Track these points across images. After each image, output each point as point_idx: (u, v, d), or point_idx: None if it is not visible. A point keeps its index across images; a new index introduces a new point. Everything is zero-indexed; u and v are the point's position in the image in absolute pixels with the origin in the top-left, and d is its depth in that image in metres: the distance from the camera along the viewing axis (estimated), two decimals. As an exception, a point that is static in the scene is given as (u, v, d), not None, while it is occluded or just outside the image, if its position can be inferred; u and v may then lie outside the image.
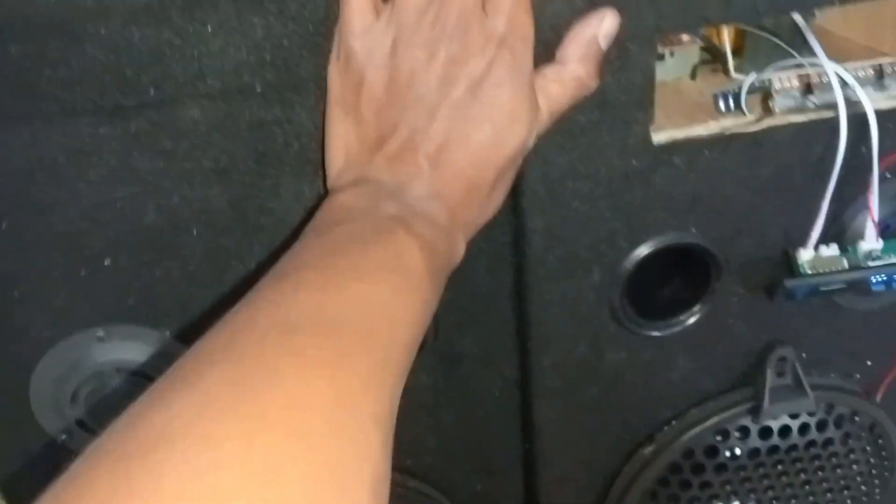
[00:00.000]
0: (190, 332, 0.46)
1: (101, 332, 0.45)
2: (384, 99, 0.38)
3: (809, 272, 0.51)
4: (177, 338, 0.46)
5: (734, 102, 0.50)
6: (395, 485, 0.54)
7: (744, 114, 0.50)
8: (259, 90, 0.39)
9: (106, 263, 0.42)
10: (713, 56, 0.55)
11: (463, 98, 0.38)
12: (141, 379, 0.46)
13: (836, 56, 0.50)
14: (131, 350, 0.46)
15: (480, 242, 0.47)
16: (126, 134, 0.39)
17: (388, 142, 0.38)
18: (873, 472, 0.65)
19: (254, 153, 0.40)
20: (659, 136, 0.47)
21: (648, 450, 0.59)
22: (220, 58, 0.38)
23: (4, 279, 0.42)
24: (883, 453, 0.65)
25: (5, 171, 0.39)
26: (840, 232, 0.52)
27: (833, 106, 0.48)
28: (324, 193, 0.42)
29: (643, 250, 0.50)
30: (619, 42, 0.42)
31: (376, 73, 0.38)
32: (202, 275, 0.44)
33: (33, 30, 0.35)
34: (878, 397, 0.62)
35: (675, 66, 0.55)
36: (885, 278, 0.51)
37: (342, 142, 0.40)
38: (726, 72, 0.52)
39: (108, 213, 0.41)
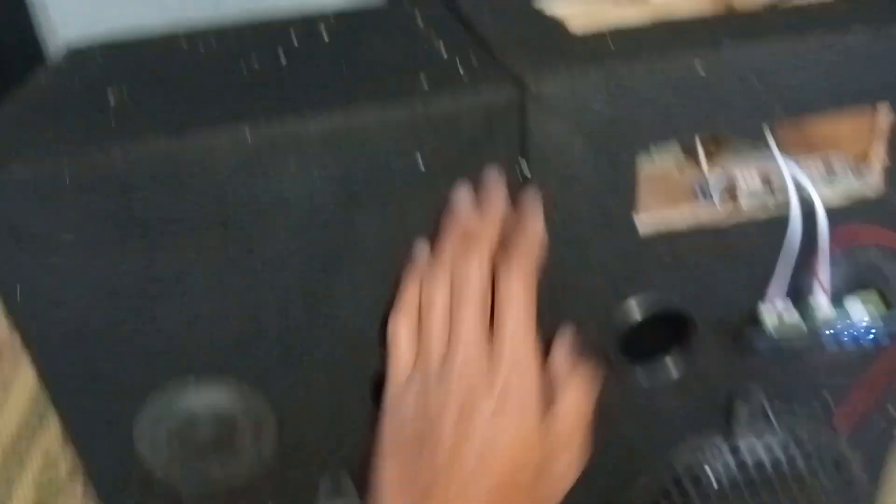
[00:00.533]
0: (262, 384, 0.57)
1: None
2: (414, 446, 0.48)
3: (773, 335, 0.61)
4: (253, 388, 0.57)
5: (708, 193, 0.61)
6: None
7: (715, 204, 0.60)
8: (330, 208, 0.50)
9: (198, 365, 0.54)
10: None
11: (480, 433, 0.46)
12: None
13: (802, 146, 0.61)
14: (218, 396, 0.57)
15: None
16: (225, 257, 0.50)
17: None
18: (838, 500, 0.75)
19: (323, 259, 0.52)
20: (643, 227, 0.57)
21: (643, 479, 0.70)
22: (300, 187, 0.49)
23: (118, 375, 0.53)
24: (847, 482, 0.74)
25: (125, 286, 0.50)
26: (796, 289, 0.62)
27: (788, 198, 0.58)
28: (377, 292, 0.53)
29: (632, 314, 0.61)
30: (609, 158, 0.53)
31: (409, 424, 0.48)
32: (277, 367, 0.55)
33: (155, 184, 0.47)
34: (841, 430, 0.72)
35: (663, 157, 0.66)
36: (836, 340, 0.61)
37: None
38: (701, 168, 0.62)
39: (204, 322, 0.52)
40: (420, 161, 0.50)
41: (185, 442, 0.58)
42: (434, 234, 0.53)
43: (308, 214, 0.50)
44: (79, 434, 0.57)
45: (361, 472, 0.63)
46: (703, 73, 0.50)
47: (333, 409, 0.60)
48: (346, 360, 0.57)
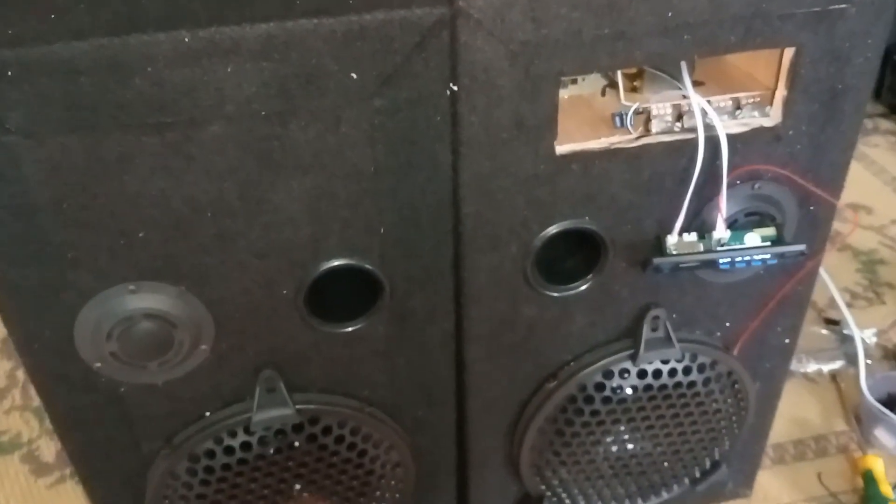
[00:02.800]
0: (201, 288, 0.60)
1: (132, 286, 0.59)
2: None
3: (674, 252, 0.67)
4: (192, 291, 0.60)
5: (624, 121, 0.66)
6: (354, 409, 0.70)
7: (629, 132, 0.65)
8: (264, 114, 0.53)
9: (140, 236, 0.56)
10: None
11: None
12: (162, 321, 0.60)
13: (719, 83, 0.66)
14: (155, 300, 0.60)
15: (428, 228, 0.62)
16: (163, 143, 0.52)
17: None
18: (730, 410, 0.83)
19: (258, 159, 0.54)
20: (561, 149, 0.62)
21: (552, 384, 0.76)
22: (238, 90, 0.51)
23: (62, 245, 0.56)
24: (738, 396, 0.82)
25: (71, 167, 0.52)
26: (700, 224, 0.68)
27: (696, 129, 0.63)
28: (308, 189, 0.57)
29: (548, 232, 0.66)
30: (533, 81, 0.57)
31: None
32: (213, 247, 0.58)
33: (98, 67, 0.49)
34: (735, 351, 0.79)
35: (588, 85, 0.70)
36: (729, 259, 0.67)
37: None
38: (620, 98, 0.67)
39: (144, 200, 0.55)
40: (353, 73, 0.53)
41: (124, 344, 0.61)
42: (367, 148, 0.56)
43: (245, 115, 0.52)
44: (20, 319, 0.59)
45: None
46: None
47: (267, 309, 0.63)
48: (279, 263, 0.60)
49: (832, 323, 1.23)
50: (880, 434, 1.03)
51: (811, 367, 1.16)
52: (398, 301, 0.66)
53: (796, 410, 1.10)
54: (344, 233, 0.60)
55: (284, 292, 0.62)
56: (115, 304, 0.59)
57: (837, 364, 1.17)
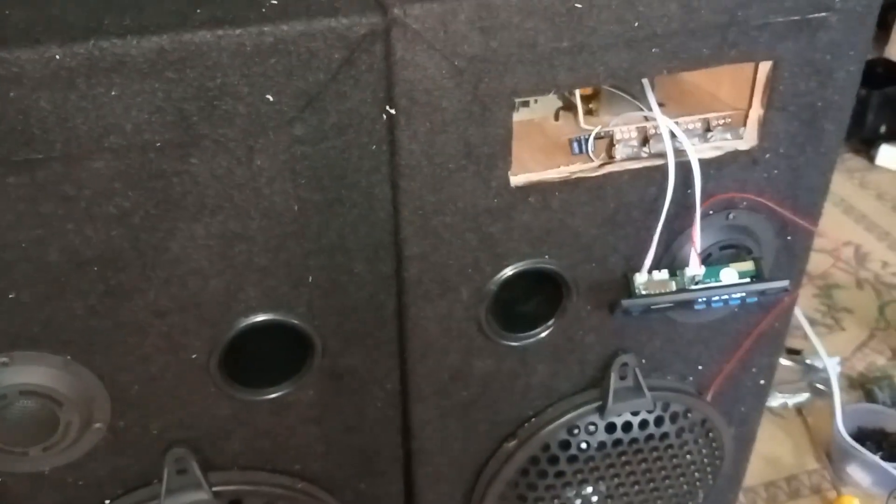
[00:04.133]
0: (90, 357, 0.50)
1: (4, 358, 0.48)
2: None
3: (644, 293, 0.59)
4: (78, 361, 0.50)
5: (584, 147, 0.58)
6: (284, 487, 0.60)
7: (591, 159, 0.57)
8: (159, 145, 0.43)
9: (10, 297, 0.46)
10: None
11: None
12: (44, 398, 0.50)
13: (681, 104, 0.59)
14: (34, 373, 0.49)
15: (365, 275, 0.54)
16: (33, 183, 0.42)
17: None
18: (705, 460, 0.75)
19: (154, 199, 0.45)
20: (516, 180, 0.54)
21: (511, 444, 0.67)
22: (123, 118, 0.42)
23: None
24: (713, 444, 0.75)
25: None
26: (672, 260, 0.61)
27: (664, 154, 0.56)
28: (216, 234, 0.47)
29: (504, 274, 0.57)
30: (482, 102, 0.49)
31: None
32: (102, 307, 0.48)
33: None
34: (709, 397, 0.72)
35: (540, 108, 0.62)
36: (705, 299, 0.60)
37: None
38: (577, 122, 0.59)
39: (13, 254, 0.44)
40: (268, 95, 0.44)
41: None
42: (288, 183, 0.47)
43: (134, 147, 0.43)
44: None
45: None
46: (579, 5, 0.46)
47: (173, 378, 0.53)
48: (184, 324, 0.51)
49: (794, 353, 1.18)
50: (853, 471, 0.98)
51: (776, 401, 1.10)
52: (332, 359, 0.57)
53: (766, 448, 1.03)
54: (263, 283, 0.51)
55: (193, 356, 0.52)
56: (-17, 380, 0.49)
57: (803, 397, 1.12)
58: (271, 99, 0.44)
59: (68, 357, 0.49)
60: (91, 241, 0.45)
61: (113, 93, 0.41)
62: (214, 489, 0.57)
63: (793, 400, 1.11)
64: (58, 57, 0.40)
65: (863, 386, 1.13)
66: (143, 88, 0.42)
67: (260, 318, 0.52)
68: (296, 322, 0.53)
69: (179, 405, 0.54)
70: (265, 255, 0.50)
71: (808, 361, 1.15)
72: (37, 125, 0.41)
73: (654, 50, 0.51)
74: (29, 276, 0.45)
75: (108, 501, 0.57)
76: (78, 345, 0.49)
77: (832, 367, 1.01)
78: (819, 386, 1.12)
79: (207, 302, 0.50)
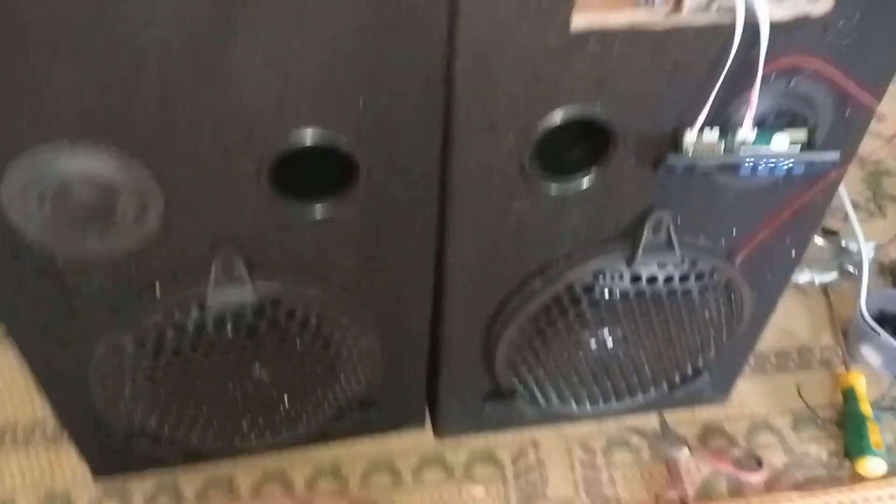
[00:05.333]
0: (147, 154, 0.52)
1: (68, 145, 0.51)
2: None
3: (690, 153, 0.59)
4: (136, 156, 0.52)
5: (651, -4, 0.56)
6: (321, 293, 0.64)
7: (655, 9, 0.55)
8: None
9: (76, 86, 0.47)
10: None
11: None
12: (101, 187, 0.53)
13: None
14: (94, 162, 0.52)
15: (415, 104, 0.54)
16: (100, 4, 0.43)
17: None
18: (723, 320, 0.78)
19: (218, 5, 0.45)
20: (577, 22, 0.52)
21: (537, 281, 0.70)
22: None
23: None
24: (733, 307, 0.77)
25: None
26: (725, 121, 0.60)
27: (734, 10, 0.54)
28: (274, 46, 0.47)
29: (553, 119, 0.57)
30: (553, -64, 0.47)
31: None
32: (160, 107, 0.49)
33: None
34: (738, 260, 0.73)
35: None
36: (752, 164, 0.60)
37: None
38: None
39: (77, 29, 0.45)
40: None
41: (58, 208, 0.53)
42: (346, 2, 0.47)
43: None
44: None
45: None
46: None
47: (225, 184, 0.55)
48: (236, 133, 0.52)
49: (831, 233, 1.17)
50: (866, 351, 1.00)
51: (804, 277, 1.11)
52: (375, 185, 0.58)
53: (783, 320, 1.05)
54: (315, 102, 0.52)
55: (245, 164, 0.54)
56: (48, 164, 0.51)
57: (831, 276, 1.12)
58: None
59: (126, 152, 0.52)
60: (152, 42, 0.46)
61: None
62: (258, 285, 0.61)
63: (820, 278, 1.12)
64: None
65: (892, 273, 1.14)
66: None
67: (310, 136, 0.54)
68: (342, 144, 0.55)
69: (228, 209, 0.57)
70: (319, 75, 0.51)
71: (843, 243, 1.14)
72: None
73: None
74: (92, 63, 0.47)
75: (158, 285, 0.61)
76: (136, 141, 0.51)
77: (867, 250, 1.01)
78: (849, 268, 1.12)
79: (261, 113, 0.51)
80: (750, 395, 0.97)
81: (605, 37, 0.53)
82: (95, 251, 0.58)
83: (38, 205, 0.53)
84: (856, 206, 1.26)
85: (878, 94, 0.62)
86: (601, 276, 0.69)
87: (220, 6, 0.45)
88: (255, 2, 0.46)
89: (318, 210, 0.59)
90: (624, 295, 0.70)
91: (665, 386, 0.86)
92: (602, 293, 0.70)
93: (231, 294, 0.62)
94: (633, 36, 0.54)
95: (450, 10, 0.50)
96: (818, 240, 1.16)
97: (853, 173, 1.31)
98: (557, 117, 0.57)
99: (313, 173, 0.58)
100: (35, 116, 0.49)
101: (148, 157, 0.52)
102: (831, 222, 1.18)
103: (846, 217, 1.02)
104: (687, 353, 0.81)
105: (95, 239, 0.56)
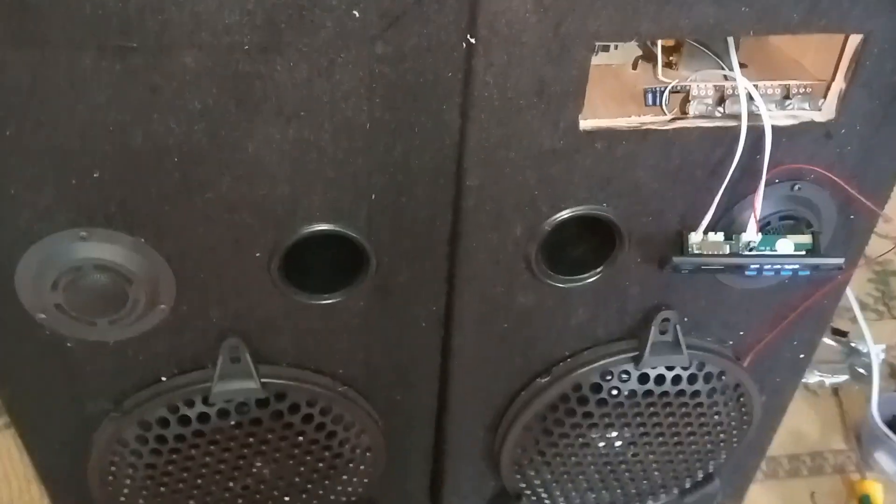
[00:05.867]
0: (161, 241, 0.53)
1: (83, 233, 0.52)
2: None
3: (696, 252, 0.60)
4: (150, 244, 0.53)
5: (658, 99, 0.58)
6: (326, 387, 0.64)
7: (663, 112, 0.57)
8: (246, 48, 0.45)
9: (94, 175, 0.49)
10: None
11: None
12: (114, 275, 0.53)
13: (763, 68, 0.58)
14: (108, 250, 0.52)
15: (425, 198, 0.55)
16: (125, 70, 0.45)
17: None
18: (733, 423, 0.76)
19: (235, 99, 0.47)
20: (585, 124, 0.54)
21: (544, 380, 0.69)
22: (216, 16, 0.43)
23: (2, 178, 0.48)
24: (743, 409, 0.76)
25: (14, 87, 0.45)
26: (729, 223, 0.61)
27: (738, 116, 0.56)
28: (290, 140, 0.49)
29: (560, 216, 0.58)
30: (562, 42, 0.49)
31: None
32: (177, 195, 0.50)
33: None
34: (746, 363, 0.73)
35: (620, 54, 0.62)
36: (758, 266, 0.60)
37: None
38: (655, 73, 0.59)
39: (100, 134, 0.47)
40: (355, 11, 0.45)
41: (71, 295, 0.54)
42: (363, 99, 0.49)
43: (223, 46, 0.45)
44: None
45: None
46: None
47: (236, 271, 0.56)
48: (250, 222, 0.53)
49: (840, 334, 1.16)
50: (881, 458, 0.98)
51: (813, 378, 1.10)
52: (384, 275, 0.59)
53: (794, 422, 1.04)
54: (329, 194, 0.53)
55: (257, 255, 0.55)
56: (63, 251, 0.52)
57: (841, 378, 1.11)
58: (357, 15, 0.46)
59: (141, 239, 0.52)
60: (172, 132, 0.48)
61: (208, -9, 0.43)
62: (263, 380, 0.61)
63: (830, 380, 1.10)
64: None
65: (904, 376, 1.12)
66: (237, -11, 0.43)
67: (322, 226, 0.55)
68: (354, 235, 0.56)
69: (238, 297, 0.57)
70: (333, 167, 0.52)
71: (852, 344, 1.13)
72: (134, 13, 0.43)
73: (743, 9, 0.50)
74: (112, 157, 0.48)
75: (163, 378, 0.61)
76: (151, 228, 0.52)
77: (876, 352, 1.00)
78: (859, 370, 1.11)
79: (274, 204, 0.52)
80: (763, 502, 0.94)
81: (612, 137, 0.55)
82: (105, 336, 0.58)
83: (51, 292, 0.53)
84: (864, 307, 1.25)
85: (882, 199, 0.63)
86: (609, 376, 0.68)
87: (238, 98, 0.47)
88: (272, 95, 0.47)
89: (327, 299, 0.59)
90: (632, 395, 0.69)
91: (676, 491, 0.84)
92: (610, 393, 0.69)
93: (236, 387, 0.61)
94: (640, 137, 0.55)
95: (462, 108, 0.51)
96: (827, 340, 1.15)
97: (861, 274, 1.31)
98: (564, 215, 0.58)
99: (323, 259, 0.59)
100: (52, 204, 0.50)
101: (162, 245, 0.53)
102: (840, 323, 1.18)
103: (855, 318, 1.02)
104: (697, 458, 0.79)
105: (106, 325, 0.56)
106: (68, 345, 0.58)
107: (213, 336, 0.59)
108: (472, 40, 0.48)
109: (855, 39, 0.55)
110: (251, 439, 0.66)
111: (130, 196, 0.50)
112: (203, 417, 0.63)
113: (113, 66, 0.44)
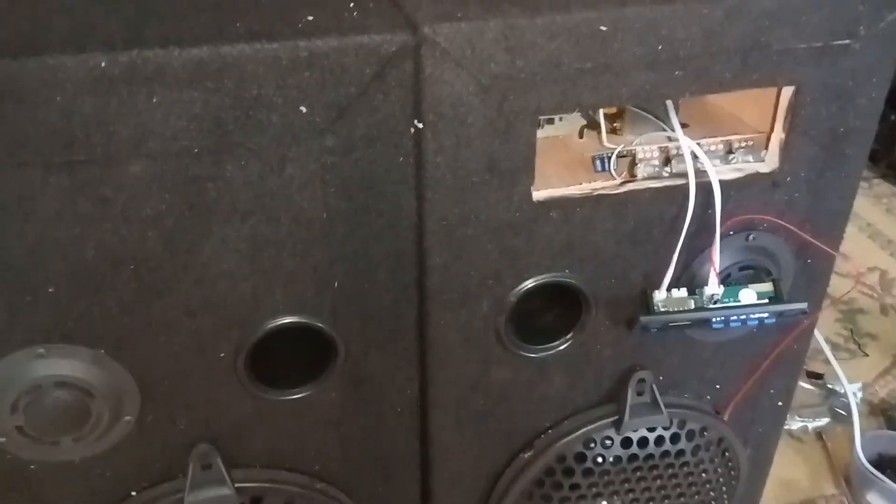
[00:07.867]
0: (122, 352, 0.52)
1: (41, 350, 0.50)
2: None
3: (662, 310, 0.60)
4: (111, 356, 0.52)
5: (607, 165, 0.59)
6: (303, 487, 0.62)
7: (613, 176, 0.59)
8: (196, 151, 0.45)
9: (49, 291, 0.48)
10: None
11: None
12: (76, 390, 0.52)
13: (705, 126, 0.60)
14: (68, 366, 0.51)
15: (388, 282, 0.55)
16: (72, 184, 0.44)
17: None
18: (721, 479, 0.75)
19: (188, 203, 0.47)
20: (538, 195, 0.55)
21: (527, 455, 0.68)
22: (163, 125, 0.44)
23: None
24: (729, 464, 0.75)
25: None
26: (690, 278, 0.62)
27: (686, 174, 0.57)
28: (247, 238, 0.49)
29: (524, 286, 0.58)
30: (507, 119, 0.50)
31: None
32: (135, 305, 0.50)
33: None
34: (726, 416, 0.72)
35: (565, 125, 0.64)
36: (723, 318, 0.60)
37: None
38: (601, 140, 0.60)
39: (51, 250, 0.46)
40: (301, 107, 0.46)
41: (32, 415, 0.52)
42: (318, 191, 0.49)
43: (171, 152, 0.45)
44: None
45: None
46: (604, 28, 0.48)
47: (201, 375, 0.55)
48: (213, 323, 0.52)
49: (815, 377, 1.17)
50: (873, 499, 0.97)
51: (796, 424, 1.10)
52: (353, 364, 0.58)
53: (782, 471, 1.03)
54: (290, 287, 0.53)
55: (221, 355, 0.54)
56: (21, 371, 0.51)
57: (823, 421, 1.11)
58: (304, 110, 0.46)
59: (101, 351, 0.51)
60: (126, 242, 0.47)
61: (153, 100, 0.43)
62: (237, 485, 0.59)
63: (813, 424, 1.10)
64: (102, 64, 0.42)
65: (884, 412, 1.12)
66: (182, 97, 0.43)
67: (286, 320, 0.54)
68: (320, 326, 0.55)
69: (206, 402, 0.56)
70: (293, 260, 0.52)
71: (829, 386, 1.14)
72: (79, 129, 0.43)
73: (676, 72, 0.52)
74: (66, 272, 0.47)
75: (133, 493, 0.59)
76: (111, 340, 0.51)
77: (852, 392, 1.00)
78: (840, 411, 1.11)
79: (236, 303, 0.52)
80: (762, 557, 0.92)
81: (566, 205, 0.56)
82: (69, 456, 0.56)
83: (10, 415, 0.52)
84: (836, 347, 1.26)
85: (835, 240, 0.64)
86: (592, 443, 0.68)
87: (191, 202, 0.47)
88: (225, 195, 0.47)
89: (297, 393, 0.58)
90: (617, 461, 0.68)
91: (672, 554, 0.82)
92: (595, 461, 0.68)
93: (209, 495, 0.59)
94: (593, 202, 0.56)
95: (417, 190, 0.52)
96: (804, 384, 1.16)
97: (828, 315, 1.32)
98: (529, 285, 0.58)
99: (292, 353, 0.58)
100: (6, 324, 0.49)
101: (123, 356, 0.52)
102: (814, 365, 1.18)
103: (828, 359, 1.02)
104: (689, 517, 0.78)
105: (70, 443, 0.54)
106: (32, 467, 0.56)
107: (183, 444, 0.58)
108: (420, 125, 0.49)
109: (788, 91, 0.57)
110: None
111: (87, 309, 0.49)
112: (177, 532, 0.60)
113: (61, 180, 0.44)
